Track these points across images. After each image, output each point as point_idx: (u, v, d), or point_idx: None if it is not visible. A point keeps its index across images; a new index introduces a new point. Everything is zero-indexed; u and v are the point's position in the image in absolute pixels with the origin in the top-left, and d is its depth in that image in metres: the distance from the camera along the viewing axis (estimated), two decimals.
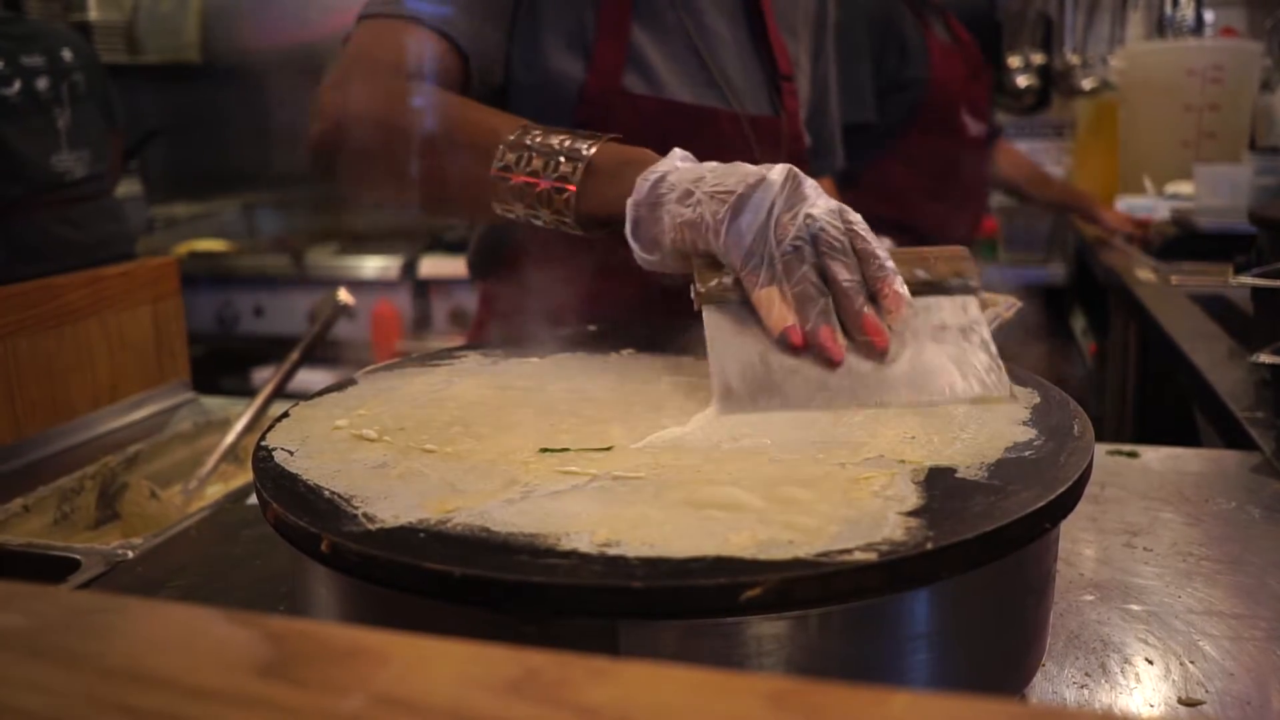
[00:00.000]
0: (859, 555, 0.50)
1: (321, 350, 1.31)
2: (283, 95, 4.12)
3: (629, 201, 0.84)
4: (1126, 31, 3.70)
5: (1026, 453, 0.64)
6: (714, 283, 0.79)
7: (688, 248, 0.81)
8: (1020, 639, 0.63)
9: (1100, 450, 1.07)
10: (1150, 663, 0.70)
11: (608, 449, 0.67)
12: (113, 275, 1.31)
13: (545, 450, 0.66)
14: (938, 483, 0.59)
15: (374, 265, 3.62)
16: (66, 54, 2.88)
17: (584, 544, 0.52)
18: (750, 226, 0.77)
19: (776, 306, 0.76)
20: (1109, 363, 2.53)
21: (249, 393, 1.33)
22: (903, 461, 0.63)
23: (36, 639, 0.33)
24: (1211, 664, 0.69)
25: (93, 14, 3.93)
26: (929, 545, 0.51)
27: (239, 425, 1.21)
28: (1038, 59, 3.84)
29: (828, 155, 1.50)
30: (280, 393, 1.25)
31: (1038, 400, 0.75)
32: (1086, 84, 3.56)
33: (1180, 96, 2.90)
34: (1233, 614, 0.76)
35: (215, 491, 1.16)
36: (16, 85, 2.73)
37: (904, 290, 0.78)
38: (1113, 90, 3.28)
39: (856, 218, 0.80)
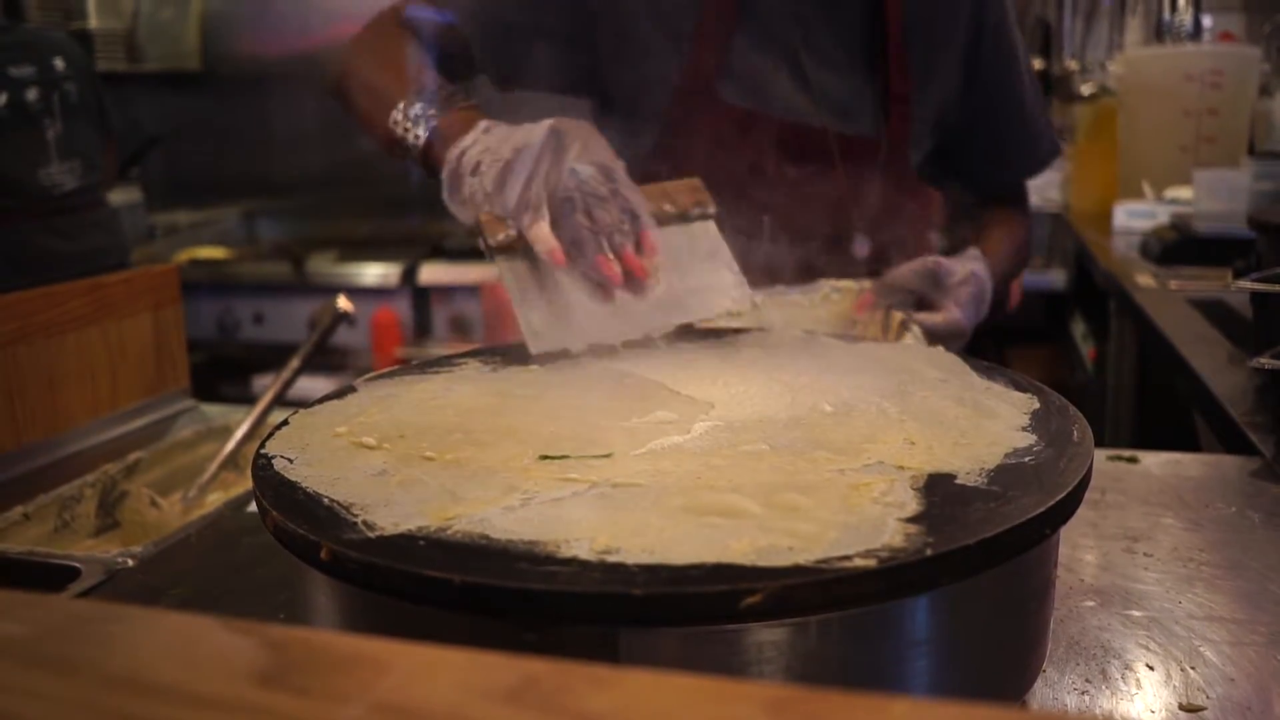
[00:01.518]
0: (858, 562, 0.50)
1: (321, 357, 1.31)
2: (283, 103, 4.13)
3: (443, 173, 0.99)
4: (1125, 37, 3.71)
5: (1026, 458, 0.64)
6: (501, 235, 0.90)
7: (480, 210, 0.94)
8: (1021, 645, 0.63)
9: (1100, 456, 1.07)
10: (1151, 669, 0.70)
11: (607, 456, 0.67)
12: (113, 283, 1.32)
13: (545, 457, 0.66)
14: (937, 489, 0.59)
15: (374, 272, 3.63)
16: (58, 63, 2.86)
17: (584, 551, 0.52)
18: (515, 186, 0.90)
19: (543, 236, 0.89)
20: (1109, 368, 2.52)
21: (249, 400, 1.33)
22: (902, 468, 0.63)
23: (36, 648, 0.33)
24: (1212, 670, 0.69)
25: (93, 22, 3.94)
26: (928, 551, 0.51)
27: (239, 433, 1.21)
28: (1036, 64, 3.84)
29: (1019, 160, 1.45)
30: (280, 400, 1.25)
31: (1037, 406, 0.75)
32: (1085, 89, 3.56)
33: (1179, 101, 2.90)
34: (1233, 619, 0.76)
35: (215, 499, 1.16)
36: (4, 98, 2.72)
37: (658, 237, 0.93)
38: (1111, 95, 3.28)
39: (621, 175, 0.93)
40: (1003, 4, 1.35)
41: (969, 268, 1.21)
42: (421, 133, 1.05)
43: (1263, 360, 1.11)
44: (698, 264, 0.96)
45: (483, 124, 0.98)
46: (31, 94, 2.78)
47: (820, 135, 1.23)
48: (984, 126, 1.37)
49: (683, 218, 0.98)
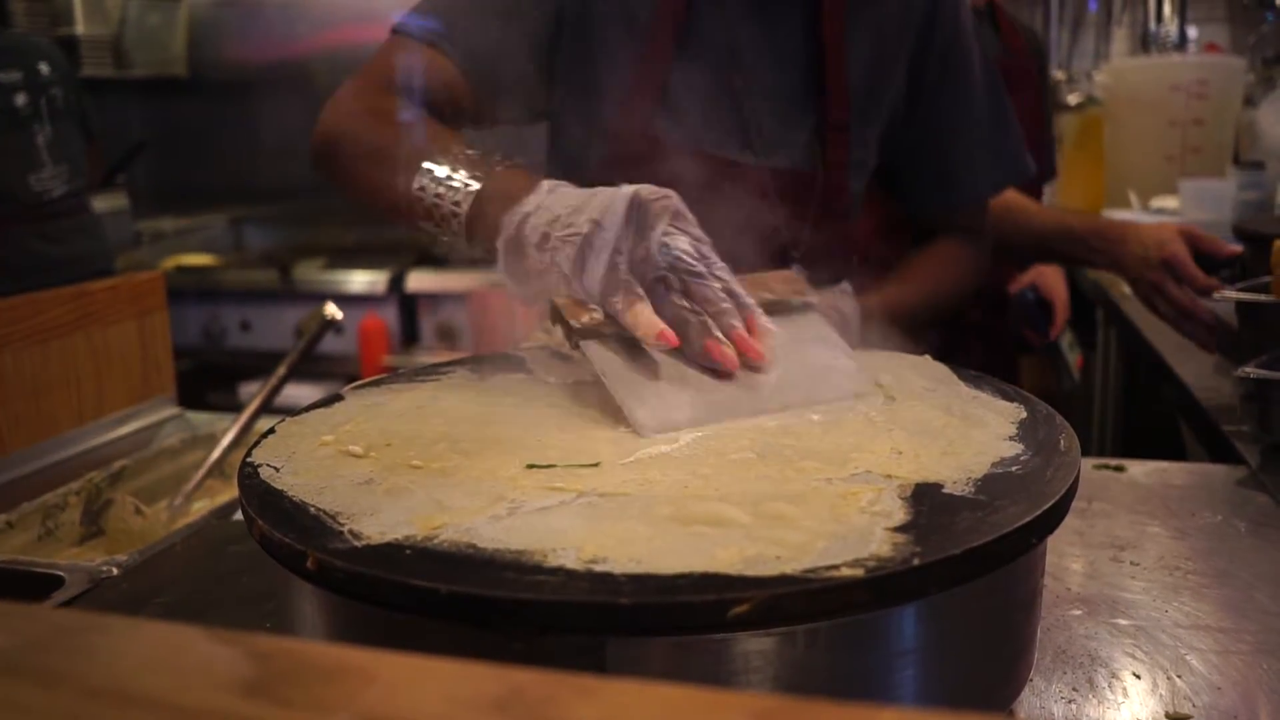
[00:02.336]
0: (846, 571, 0.50)
1: (308, 365, 1.31)
2: (270, 109, 4.13)
3: (498, 241, 0.86)
4: (1111, 47, 3.73)
5: (1013, 468, 0.64)
6: (585, 319, 0.80)
7: (552, 292, 0.83)
8: (1008, 654, 0.63)
9: (1087, 465, 1.07)
10: (1138, 677, 0.70)
11: (595, 465, 0.66)
12: (98, 290, 1.31)
13: (532, 466, 0.66)
14: (925, 498, 0.59)
15: (361, 280, 3.62)
16: (44, 68, 2.84)
17: (571, 560, 0.52)
18: (598, 267, 0.78)
19: (644, 318, 0.77)
20: (1095, 377, 2.53)
21: (235, 408, 1.33)
22: (890, 477, 0.63)
23: (18, 658, 0.33)
24: (1198, 678, 0.69)
25: (79, 28, 3.92)
26: (916, 561, 0.51)
27: (225, 441, 1.21)
28: None
29: (967, 183, 1.35)
30: (267, 408, 1.24)
31: (1024, 415, 0.75)
32: (1072, 99, 3.57)
33: (1165, 112, 2.91)
34: (1219, 628, 0.76)
35: (201, 507, 1.16)
36: None
37: (767, 320, 0.81)
38: (1098, 105, 3.29)
39: (714, 254, 0.81)
40: (955, 20, 1.28)
41: (829, 303, 1.11)
42: (462, 200, 0.93)
43: (1248, 370, 1.12)
44: (809, 349, 0.85)
45: (545, 184, 0.87)
46: (20, 99, 2.76)
47: (752, 170, 1.20)
48: (930, 147, 1.32)
49: (783, 306, 0.88)
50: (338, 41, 3.93)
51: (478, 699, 0.29)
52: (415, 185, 0.95)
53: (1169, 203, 2.72)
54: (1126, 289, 2.24)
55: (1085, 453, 0.75)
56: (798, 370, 0.82)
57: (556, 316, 0.81)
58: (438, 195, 0.94)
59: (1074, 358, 2.80)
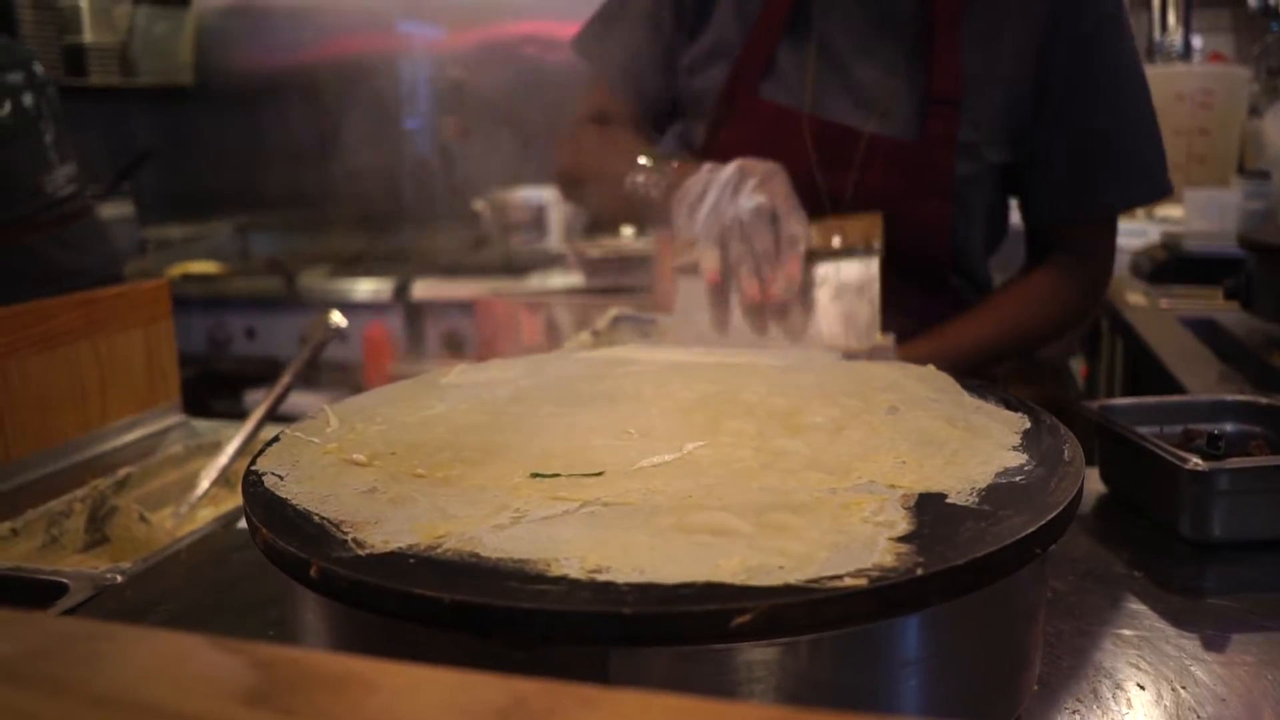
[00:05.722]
0: (849, 581, 0.50)
1: (313, 373, 1.31)
2: (276, 118, 4.13)
3: (675, 204, 1.15)
4: None
5: (1017, 478, 0.64)
6: (681, 260, 1.10)
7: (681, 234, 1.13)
8: (1012, 665, 0.63)
9: (1091, 474, 1.07)
10: (1142, 688, 0.70)
11: (598, 474, 0.66)
12: (104, 297, 1.31)
13: (536, 475, 0.66)
14: (928, 508, 0.59)
15: (366, 288, 3.62)
16: (38, 68, 2.81)
17: (574, 570, 0.52)
18: (700, 216, 1.08)
19: (708, 261, 1.08)
20: (1099, 386, 2.53)
21: (240, 415, 1.33)
22: (893, 487, 0.63)
23: (22, 666, 0.33)
24: (1204, 689, 0.69)
25: (87, 36, 3.93)
26: (919, 571, 0.51)
27: (230, 448, 1.21)
28: None
29: (1092, 194, 1.27)
30: (272, 415, 1.24)
31: (1028, 424, 0.75)
32: None
33: (1170, 121, 2.91)
34: (1225, 638, 0.76)
35: (205, 515, 1.16)
36: (7, 106, 2.67)
37: (798, 269, 1.06)
38: None
39: (791, 208, 1.06)
40: (1099, 12, 1.21)
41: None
42: (661, 183, 1.19)
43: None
44: (843, 297, 1.08)
45: (707, 165, 1.12)
46: (27, 99, 2.72)
47: (853, 135, 1.23)
48: (1061, 146, 1.24)
49: (847, 252, 1.09)
50: (344, 50, 3.94)
51: (480, 708, 0.29)
52: (625, 188, 1.24)
53: (1174, 212, 2.72)
54: (1130, 298, 2.24)
55: (1089, 462, 0.75)
56: (818, 318, 1.07)
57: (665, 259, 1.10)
58: (645, 188, 1.22)
59: (1078, 368, 2.80)
